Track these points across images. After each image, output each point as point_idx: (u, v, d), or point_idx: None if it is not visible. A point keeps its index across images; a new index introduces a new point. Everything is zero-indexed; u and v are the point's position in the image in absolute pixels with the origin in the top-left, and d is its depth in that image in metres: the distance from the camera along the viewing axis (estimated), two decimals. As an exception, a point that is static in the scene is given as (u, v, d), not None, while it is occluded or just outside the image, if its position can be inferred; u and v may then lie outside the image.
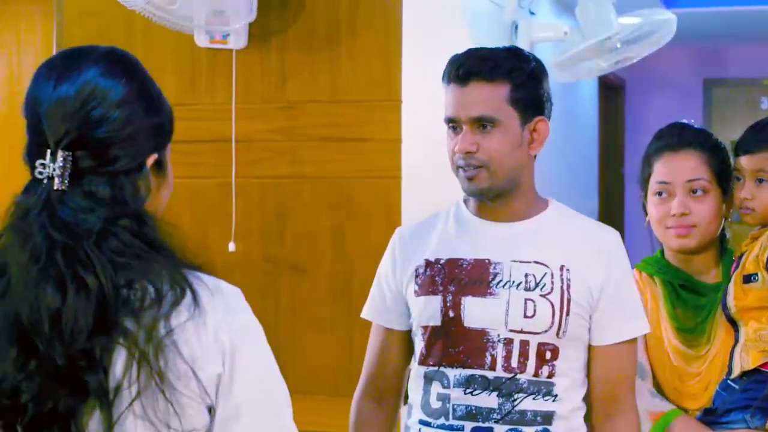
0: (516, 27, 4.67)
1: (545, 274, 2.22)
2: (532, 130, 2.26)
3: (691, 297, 2.63)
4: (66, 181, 1.47)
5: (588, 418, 2.30)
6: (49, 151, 1.48)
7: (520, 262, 2.24)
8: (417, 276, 2.31)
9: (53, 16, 4.05)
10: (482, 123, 2.23)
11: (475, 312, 2.22)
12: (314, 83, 3.65)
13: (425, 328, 2.27)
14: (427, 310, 2.27)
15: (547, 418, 2.20)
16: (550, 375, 2.21)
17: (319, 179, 3.65)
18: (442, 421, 2.22)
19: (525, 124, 2.25)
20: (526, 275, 2.22)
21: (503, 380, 2.19)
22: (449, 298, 2.24)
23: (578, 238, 2.29)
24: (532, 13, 4.92)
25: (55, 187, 1.47)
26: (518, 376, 2.19)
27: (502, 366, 2.19)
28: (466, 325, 2.22)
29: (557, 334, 2.20)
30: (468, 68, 2.24)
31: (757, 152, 2.54)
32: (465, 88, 2.25)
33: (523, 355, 2.20)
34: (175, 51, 3.72)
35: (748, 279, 2.48)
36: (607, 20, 4.56)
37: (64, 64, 1.52)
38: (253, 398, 1.50)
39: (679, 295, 2.63)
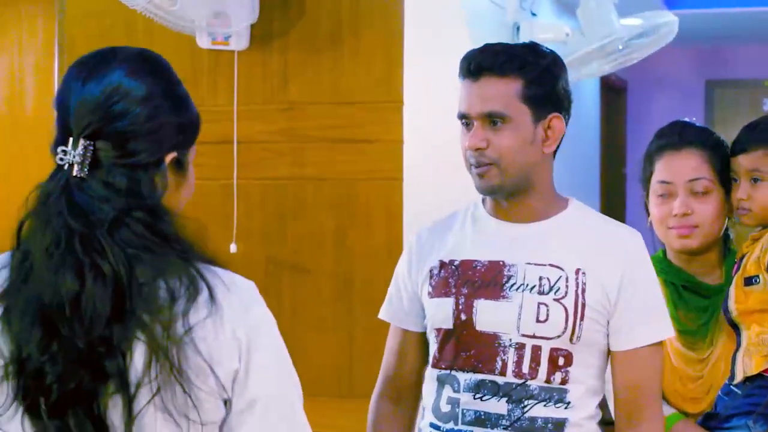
0: (518, 28, 4.67)
1: (560, 277, 2.16)
2: (546, 128, 2.19)
3: (693, 298, 2.57)
4: (85, 170, 1.52)
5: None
6: (71, 139, 1.54)
7: (535, 264, 2.18)
8: (431, 277, 2.26)
9: (54, 16, 4.05)
10: (492, 119, 2.17)
11: (488, 315, 2.17)
12: (316, 85, 3.65)
13: (438, 330, 2.23)
14: (439, 313, 2.23)
15: (559, 425, 2.14)
16: (563, 381, 2.15)
17: (321, 180, 3.65)
18: (451, 425, 2.18)
19: (538, 121, 2.18)
20: (541, 278, 2.16)
21: (513, 386, 2.14)
22: (462, 300, 2.19)
23: (596, 239, 2.21)
24: (533, 15, 4.92)
25: (74, 174, 1.52)
26: (529, 382, 2.14)
27: (513, 371, 2.14)
28: (477, 328, 2.18)
29: (571, 340, 2.14)
30: (479, 63, 2.19)
31: (751, 151, 2.49)
32: (476, 83, 2.21)
33: (535, 360, 2.14)
34: (177, 52, 3.72)
35: (749, 282, 2.42)
36: (608, 21, 4.55)
37: (93, 63, 1.59)
38: (267, 391, 1.55)
39: (681, 296, 2.58)
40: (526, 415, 2.13)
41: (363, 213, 3.60)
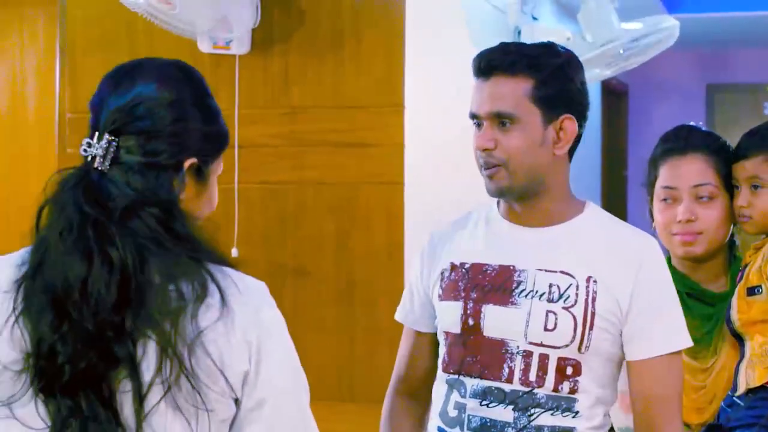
0: (519, 32, 4.67)
1: (570, 285, 2.11)
2: (558, 129, 2.13)
3: (697, 306, 2.50)
4: (107, 163, 1.59)
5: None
6: (96, 134, 1.62)
7: (546, 270, 2.13)
8: (442, 279, 2.22)
9: (56, 20, 4.05)
10: (501, 119, 2.11)
11: (495, 321, 2.13)
12: (317, 88, 3.65)
13: (446, 334, 2.20)
14: (448, 316, 2.19)
15: None
16: (572, 391, 2.10)
17: (322, 184, 3.65)
18: (457, 430, 2.15)
19: (549, 122, 2.12)
20: (551, 285, 2.11)
21: (520, 394, 2.10)
22: (470, 305, 2.16)
23: (610, 246, 2.15)
24: (534, 18, 4.92)
25: (95, 166, 1.59)
26: (535, 391, 2.10)
27: (520, 379, 2.10)
28: (485, 334, 2.14)
29: (579, 349, 2.09)
30: (489, 61, 2.13)
31: (751, 157, 2.44)
32: (486, 83, 2.14)
33: (542, 369, 2.10)
34: (178, 56, 3.69)
35: (752, 291, 2.36)
36: (609, 25, 4.55)
37: (127, 70, 1.69)
38: (276, 391, 1.60)
39: (685, 303, 2.44)
40: (533, 423, 2.10)
41: (364, 216, 3.60)
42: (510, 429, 2.10)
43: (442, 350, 2.23)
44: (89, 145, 1.62)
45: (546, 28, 4.85)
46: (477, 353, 2.15)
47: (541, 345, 2.10)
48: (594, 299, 2.10)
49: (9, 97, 4.75)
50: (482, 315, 2.14)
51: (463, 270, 2.20)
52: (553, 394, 2.10)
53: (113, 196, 1.57)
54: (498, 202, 2.24)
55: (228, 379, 1.55)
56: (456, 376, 2.17)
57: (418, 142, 3.64)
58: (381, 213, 3.58)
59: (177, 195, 1.63)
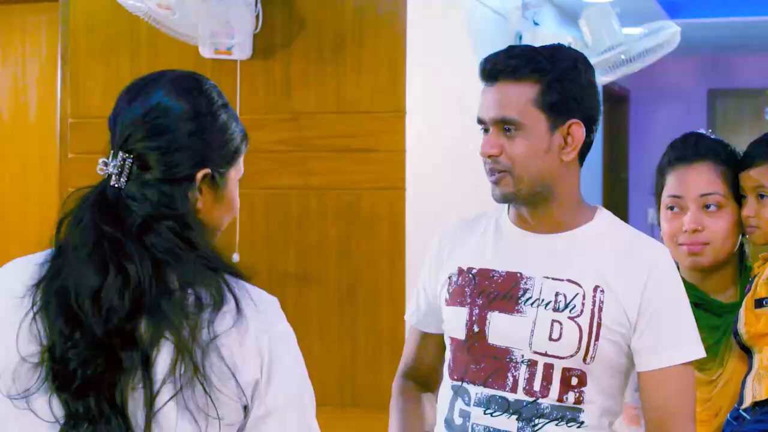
0: (520, 38, 4.68)
1: (577, 294, 2.07)
2: (566, 135, 2.08)
3: (704, 317, 2.42)
4: (123, 180, 1.65)
5: None
6: (112, 152, 1.68)
7: (553, 279, 2.09)
8: (449, 284, 2.19)
9: (58, 28, 4.06)
10: (505, 126, 2.07)
11: (500, 329, 2.10)
12: (319, 94, 3.66)
13: (452, 339, 2.18)
14: (454, 322, 2.17)
15: None
16: (577, 401, 2.07)
17: (324, 189, 3.65)
18: None
19: (556, 128, 2.07)
20: (557, 294, 2.08)
21: (524, 404, 2.07)
22: (476, 311, 2.13)
23: (619, 254, 2.11)
24: (536, 24, 4.93)
25: (112, 183, 1.65)
26: (540, 401, 2.07)
27: (524, 389, 2.07)
28: (490, 341, 2.11)
29: (584, 360, 2.06)
30: (494, 66, 2.09)
31: (757, 166, 2.39)
32: (492, 88, 2.10)
33: (546, 379, 2.06)
34: (180, 62, 3.73)
35: (759, 303, 2.30)
36: (611, 31, 4.56)
37: (141, 85, 1.74)
38: (284, 402, 1.64)
39: (693, 314, 2.41)
40: None
41: (366, 222, 3.60)
42: None
43: (448, 356, 2.21)
44: (105, 164, 1.67)
45: (547, 34, 4.86)
46: (481, 361, 2.12)
47: (546, 355, 2.07)
48: (601, 309, 2.06)
49: (11, 103, 4.75)
50: (487, 322, 2.12)
51: (470, 275, 2.17)
52: (558, 404, 2.07)
53: (130, 213, 1.62)
54: (508, 207, 2.20)
55: (239, 383, 1.59)
56: (460, 383, 2.15)
57: (420, 148, 3.64)
58: (383, 218, 3.58)
59: (193, 206, 1.68)
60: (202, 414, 1.58)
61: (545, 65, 2.07)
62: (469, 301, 2.14)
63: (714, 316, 2.45)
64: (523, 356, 2.08)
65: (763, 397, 2.25)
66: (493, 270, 2.15)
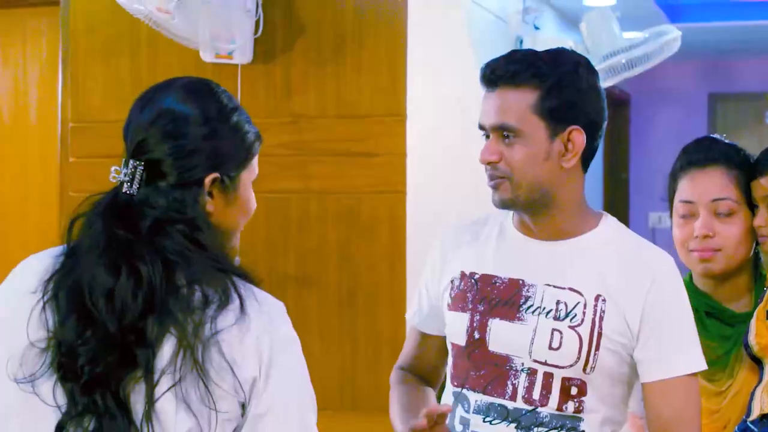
0: (521, 42, 4.68)
1: (578, 303, 2.05)
2: (566, 141, 2.06)
3: (716, 326, 2.38)
4: (135, 186, 1.69)
5: None
6: (124, 160, 1.72)
7: (554, 287, 2.07)
8: (452, 288, 2.18)
9: (58, 31, 4.06)
10: (504, 132, 2.05)
11: (501, 336, 2.08)
12: (319, 98, 3.66)
13: (453, 345, 2.16)
14: (455, 327, 2.15)
15: None
16: (577, 411, 2.05)
17: (325, 193, 3.65)
18: None
19: (555, 135, 2.05)
20: (558, 302, 2.05)
21: (523, 412, 2.05)
22: (477, 317, 2.11)
23: (622, 262, 2.08)
24: (536, 28, 4.93)
25: (124, 190, 1.69)
26: (539, 409, 2.05)
27: (523, 397, 2.06)
28: (490, 348, 2.09)
29: (584, 370, 2.03)
30: (493, 71, 2.07)
31: (766, 175, 2.34)
32: (493, 93, 2.07)
33: (546, 387, 2.04)
34: (181, 65, 3.73)
35: None
36: (611, 35, 4.56)
37: (151, 93, 1.77)
38: (282, 403, 1.66)
39: (703, 323, 2.36)
40: None
41: (366, 225, 3.60)
42: None
43: (449, 361, 2.20)
44: (117, 171, 1.71)
45: (548, 38, 4.86)
46: (481, 368, 2.10)
47: (546, 364, 2.05)
48: (602, 319, 2.04)
49: (12, 106, 4.75)
50: (488, 329, 2.10)
51: (473, 280, 2.15)
52: (557, 413, 2.05)
53: (141, 217, 1.67)
54: (512, 213, 2.18)
55: (237, 378, 1.62)
56: (460, 390, 2.14)
57: (420, 152, 3.65)
58: (383, 222, 3.58)
59: (203, 210, 1.71)
60: (199, 407, 1.61)
61: (545, 70, 2.04)
62: (470, 307, 2.13)
63: (726, 326, 2.39)
64: (523, 364, 2.06)
65: None
66: (496, 276, 2.13)
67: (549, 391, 2.05)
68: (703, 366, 2.09)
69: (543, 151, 2.05)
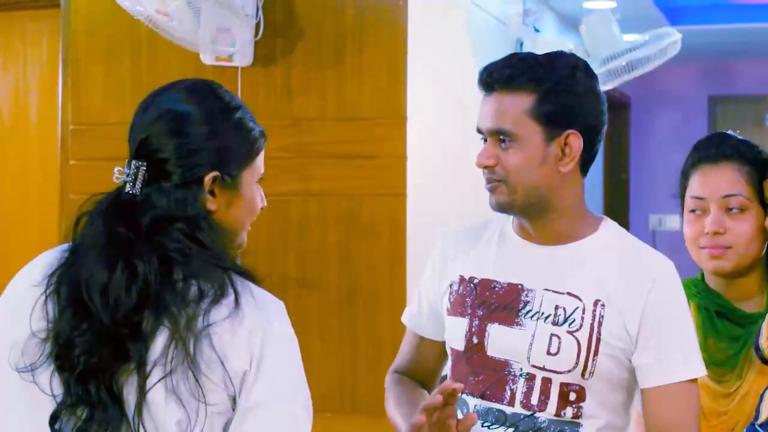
0: (521, 44, 4.68)
1: (576, 308, 2.04)
2: (563, 145, 2.04)
3: (726, 326, 2.34)
4: (137, 186, 1.72)
5: None
6: (127, 161, 1.75)
7: (553, 292, 2.06)
8: (450, 293, 2.17)
9: (59, 33, 4.06)
10: (500, 136, 2.04)
11: (500, 341, 2.07)
12: (320, 101, 3.66)
13: (452, 350, 2.16)
14: (454, 332, 2.14)
15: None
16: (576, 416, 2.04)
17: (325, 196, 3.65)
18: None
19: (552, 139, 2.03)
20: (557, 307, 2.04)
21: (521, 417, 2.04)
22: (476, 322, 2.10)
23: (621, 266, 2.07)
24: (536, 30, 4.93)
25: (126, 190, 1.72)
26: (537, 414, 2.04)
27: (521, 402, 2.05)
28: (489, 353, 2.08)
29: (583, 375, 2.02)
30: (490, 75, 2.06)
31: None
32: (489, 98, 2.07)
33: (545, 393, 2.04)
34: (181, 68, 3.73)
35: None
36: (611, 38, 4.56)
37: (154, 95, 1.80)
38: (272, 398, 1.67)
39: (713, 323, 2.34)
40: None
41: (367, 228, 3.60)
42: None
43: (449, 366, 2.19)
44: (120, 172, 1.74)
45: (548, 40, 4.86)
46: (480, 373, 2.10)
47: (544, 369, 2.04)
48: (600, 324, 2.03)
49: (12, 109, 4.75)
50: (487, 334, 2.09)
51: (472, 285, 2.14)
52: (555, 418, 2.04)
53: (141, 215, 1.70)
54: (513, 218, 2.17)
55: (227, 371, 1.63)
56: (460, 394, 2.09)
57: (420, 154, 3.65)
58: (383, 224, 3.58)
59: (203, 208, 1.74)
60: (189, 399, 1.62)
61: (541, 74, 2.03)
62: (469, 312, 2.12)
63: (736, 326, 2.35)
64: (521, 369, 2.05)
65: None
66: (495, 281, 2.12)
67: (547, 397, 2.04)
68: (702, 372, 2.07)
69: (539, 156, 2.04)
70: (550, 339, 2.04)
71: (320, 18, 3.67)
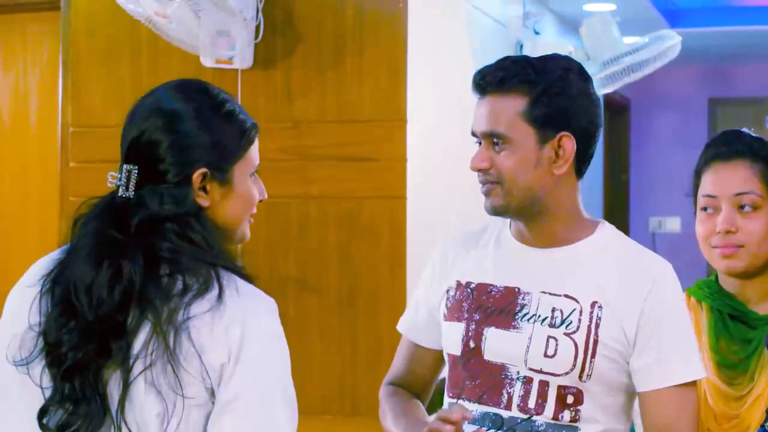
0: (521, 46, 4.69)
1: (573, 310, 2.02)
2: (557, 148, 2.04)
3: (738, 328, 2.27)
4: (130, 189, 1.74)
5: None
6: (119, 165, 1.77)
7: (550, 294, 2.05)
8: (447, 298, 2.16)
9: (59, 36, 4.06)
10: (494, 139, 2.04)
11: (496, 345, 2.06)
12: (320, 103, 3.66)
13: (449, 355, 2.14)
14: (451, 337, 2.13)
15: None
16: (573, 420, 2.02)
17: (325, 198, 3.66)
18: None
19: (545, 141, 2.03)
20: (554, 310, 2.03)
21: (518, 421, 2.03)
22: (472, 327, 2.09)
23: (619, 269, 2.05)
24: (536, 33, 4.94)
25: (119, 194, 1.75)
26: (534, 418, 2.02)
27: (518, 406, 2.03)
28: (485, 357, 2.07)
29: (580, 377, 2.01)
30: (483, 78, 2.06)
31: None
32: (483, 101, 2.07)
33: (542, 396, 2.02)
34: (181, 70, 3.74)
35: None
36: (612, 40, 4.57)
37: (140, 100, 1.82)
38: (249, 392, 1.67)
39: (726, 325, 2.28)
40: None
41: (367, 230, 3.60)
42: None
43: (447, 371, 2.18)
44: (112, 176, 1.77)
45: (548, 43, 4.87)
46: (477, 377, 2.08)
47: (541, 372, 2.03)
48: (598, 326, 2.02)
49: (12, 111, 4.76)
50: (483, 338, 2.08)
51: (468, 290, 2.13)
52: (553, 422, 2.02)
53: (133, 217, 1.72)
54: (510, 222, 2.16)
55: (204, 363, 1.65)
56: (455, 400, 2.11)
57: (420, 157, 3.65)
58: (383, 226, 3.59)
59: (193, 205, 1.75)
60: (168, 392, 1.65)
61: (534, 77, 2.03)
62: (466, 316, 2.11)
63: (749, 329, 2.28)
64: (518, 373, 2.04)
65: None
66: (492, 285, 2.11)
67: (545, 400, 2.02)
68: (702, 373, 2.06)
69: (533, 158, 2.03)
70: (547, 341, 2.02)
71: (320, 20, 3.68)
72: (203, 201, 1.76)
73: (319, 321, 3.64)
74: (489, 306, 2.10)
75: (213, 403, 1.67)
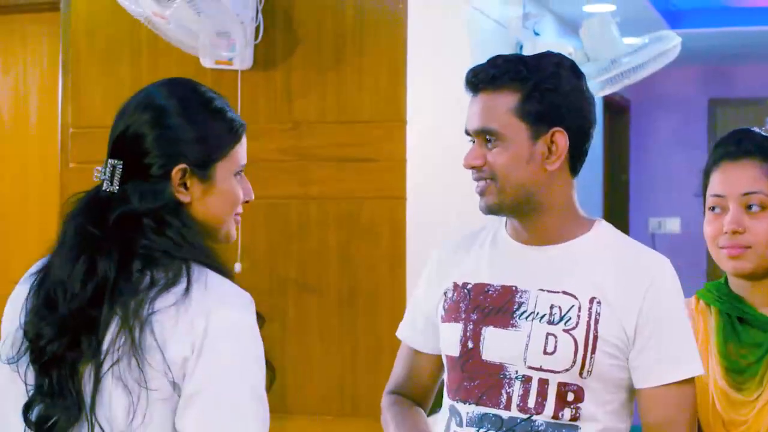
0: (521, 47, 4.69)
1: (572, 306, 2.01)
2: (550, 143, 2.04)
3: (747, 332, 2.23)
4: (114, 184, 1.77)
5: None
6: (105, 160, 1.80)
7: (548, 291, 2.04)
8: (445, 300, 2.16)
9: (59, 37, 4.06)
10: (486, 136, 2.05)
11: (495, 344, 2.05)
12: (319, 104, 3.66)
13: (448, 357, 2.13)
14: (448, 339, 2.12)
15: None
16: (574, 418, 2.00)
17: (325, 199, 3.66)
18: None
19: (538, 137, 2.03)
20: (552, 307, 2.02)
21: (518, 421, 2.01)
22: (470, 327, 2.08)
23: (617, 265, 2.05)
24: (536, 34, 4.94)
25: (104, 188, 1.77)
26: (534, 418, 2.01)
27: (518, 406, 2.02)
28: (484, 357, 2.06)
29: (580, 374, 2.00)
30: (475, 76, 2.08)
31: None
32: (475, 98, 2.09)
33: (541, 395, 2.00)
34: (181, 71, 3.73)
35: None
36: (611, 41, 4.57)
37: (130, 99, 1.86)
38: (213, 386, 1.67)
39: (735, 329, 2.25)
40: None
41: (367, 230, 3.60)
42: None
43: (445, 374, 2.17)
44: (98, 171, 1.80)
45: (548, 43, 4.87)
46: (475, 378, 2.07)
47: (541, 369, 2.02)
48: (597, 321, 2.01)
49: (12, 112, 4.76)
50: (482, 338, 2.07)
51: (465, 291, 2.13)
52: (553, 421, 2.01)
53: (109, 212, 1.74)
54: (506, 221, 2.16)
55: (165, 357, 1.66)
56: (454, 402, 2.10)
57: (420, 157, 3.65)
58: (383, 227, 3.59)
59: (172, 202, 1.76)
60: (134, 385, 1.66)
61: (525, 73, 2.03)
62: (463, 317, 2.10)
63: (759, 332, 2.24)
64: (517, 372, 2.03)
65: None
66: (489, 284, 2.11)
67: (545, 399, 2.01)
68: (700, 371, 2.06)
69: (525, 154, 2.04)
70: (546, 338, 2.02)
71: (320, 21, 3.68)
72: (183, 197, 1.77)
73: (319, 321, 3.64)
74: (487, 306, 2.09)
75: (179, 396, 1.67)
